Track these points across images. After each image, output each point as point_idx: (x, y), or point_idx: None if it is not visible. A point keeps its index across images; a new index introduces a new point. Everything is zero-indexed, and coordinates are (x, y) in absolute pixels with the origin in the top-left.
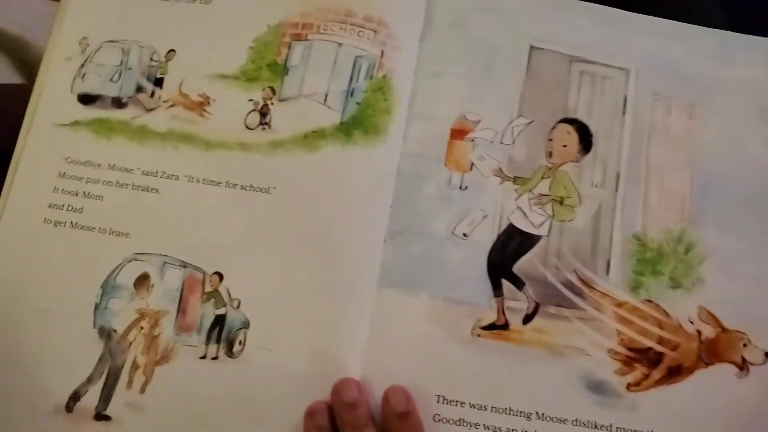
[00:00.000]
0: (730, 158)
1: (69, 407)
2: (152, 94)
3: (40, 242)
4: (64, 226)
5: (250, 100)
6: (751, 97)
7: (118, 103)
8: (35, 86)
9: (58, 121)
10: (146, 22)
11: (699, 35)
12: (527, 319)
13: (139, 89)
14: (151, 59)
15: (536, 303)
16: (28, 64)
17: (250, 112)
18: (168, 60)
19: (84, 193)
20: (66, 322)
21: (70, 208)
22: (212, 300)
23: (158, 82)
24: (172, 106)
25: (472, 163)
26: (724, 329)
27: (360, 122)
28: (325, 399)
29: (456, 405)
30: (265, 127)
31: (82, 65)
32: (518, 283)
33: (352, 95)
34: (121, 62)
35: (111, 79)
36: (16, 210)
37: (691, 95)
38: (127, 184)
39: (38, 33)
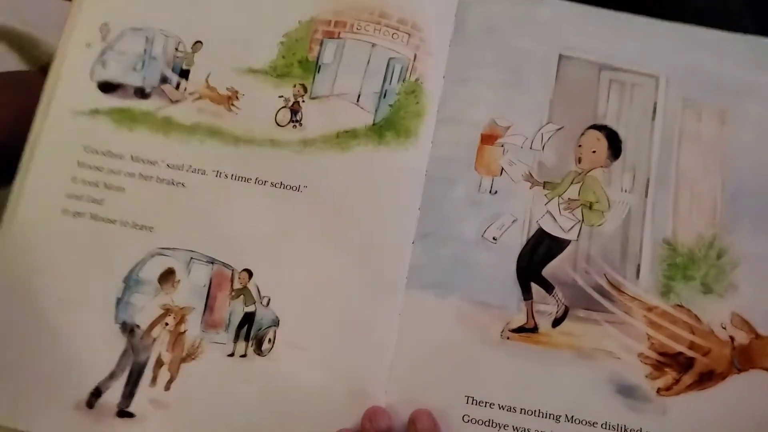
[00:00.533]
0: (763, 164)
1: (90, 403)
2: (177, 86)
3: (59, 234)
4: (84, 217)
5: (281, 96)
6: None
7: (141, 93)
8: (51, 72)
9: (76, 108)
10: (172, 11)
11: (729, 41)
12: (557, 322)
13: (164, 80)
14: (177, 49)
15: (566, 306)
16: (40, 61)
17: (280, 109)
18: (194, 51)
19: (105, 184)
20: (87, 316)
21: (90, 199)
22: (241, 297)
23: (184, 74)
24: (199, 98)
25: (502, 168)
26: (758, 336)
27: (392, 124)
28: (352, 427)
29: (485, 406)
30: (296, 124)
31: (103, 52)
32: (548, 287)
33: (384, 97)
34: (145, 51)
35: (134, 68)
36: (34, 200)
37: (722, 101)
38: (151, 177)
39: (51, 32)
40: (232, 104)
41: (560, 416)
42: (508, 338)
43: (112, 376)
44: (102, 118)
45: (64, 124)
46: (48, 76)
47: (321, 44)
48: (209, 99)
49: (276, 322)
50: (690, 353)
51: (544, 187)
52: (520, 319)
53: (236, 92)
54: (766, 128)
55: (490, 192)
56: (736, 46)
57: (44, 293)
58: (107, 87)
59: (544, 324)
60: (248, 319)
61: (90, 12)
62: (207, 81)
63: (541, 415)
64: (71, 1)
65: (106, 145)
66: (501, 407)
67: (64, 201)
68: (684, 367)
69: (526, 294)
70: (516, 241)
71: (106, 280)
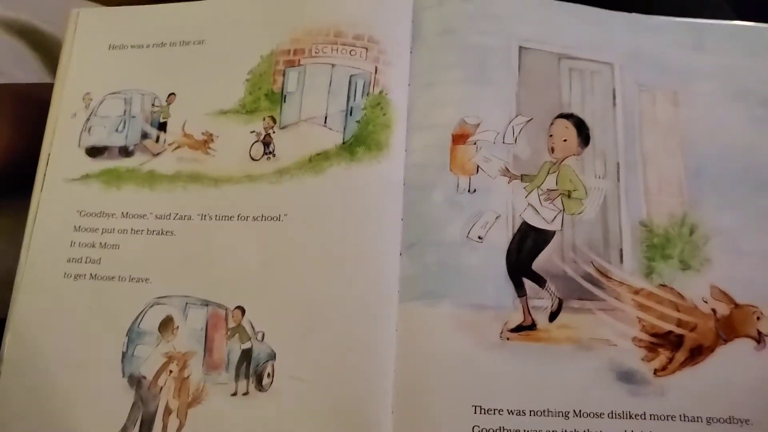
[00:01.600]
0: (717, 140)
1: None
2: (157, 139)
3: (63, 297)
4: (84, 278)
5: (252, 131)
6: (727, 81)
7: (125, 151)
8: (44, 143)
9: (69, 176)
10: (145, 70)
11: (672, 26)
12: (553, 316)
13: (144, 136)
14: (153, 105)
15: (559, 299)
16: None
17: (253, 144)
18: (169, 103)
19: (100, 243)
20: (96, 374)
21: (88, 260)
22: (236, 335)
23: (162, 126)
24: (178, 147)
25: (478, 166)
26: (736, 305)
27: (362, 140)
28: None
29: (494, 414)
30: (270, 156)
31: (87, 119)
32: (540, 281)
33: (351, 114)
34: (125, 112)
35: (116, 130)
36: (36, 267)
37: (672, 84)
38: (142, 230)
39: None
40: (209, 147)
41: (568, 413)
42: (508, 339)
43: (124, 430)
44: (92, 181)
45: (59, 193)
46: (42, 148)
47: (284, 74)
48: (187, 146)
49: (273, 356)
50: (678, 330)
51: (522, 180)
52: (517, 318)
53: (211, 135)
54: (715, 107)
55: (469, 191)
56: (679, 30)
57: (53, 355)
58: (94, 151)
59: (541, 319)
60: (246, 356)
61: (73, 85)
62: (183, 129)
63: (550, 414)
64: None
65: (98, 207)
66: (510, 412)
67: (64, 266)
68: (675, 345)
69: (520, 290)
70: (502, 237)
71: (110, 335)
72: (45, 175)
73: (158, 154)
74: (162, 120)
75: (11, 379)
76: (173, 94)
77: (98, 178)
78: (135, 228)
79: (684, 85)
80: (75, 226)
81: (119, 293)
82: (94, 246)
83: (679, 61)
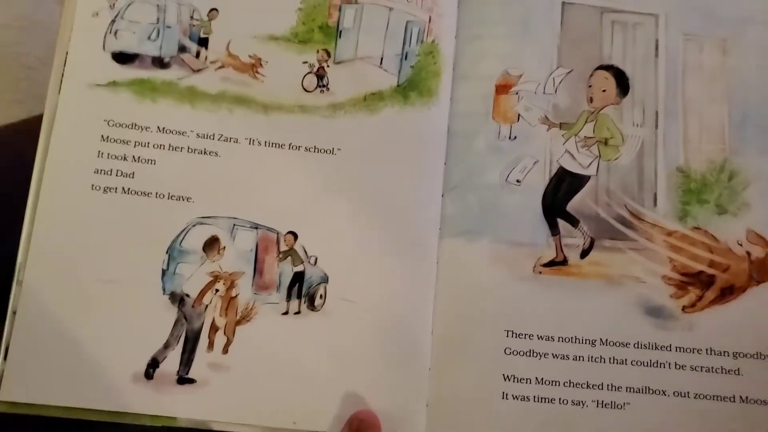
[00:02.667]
0: (766, 88)
1: (149, 374)
2: (197, 55)
3: (91, 210)
4: (115, 192)
5: (305, 62)
6: None
7: (160, 62)
8: (58, 43)
9: (93, 81)
10: None
11: None
12: (584, 253)
13: (182, 49)
14: (192, 17)
15: (591, 238)
16: None
17: (306, 74)
18: (211, 19)
19: (134, 157)
20: (133, 291)
21: (119, 173)
22: (289, 258)
23: (203, 42)
24: (221, 67)
25: (519, 115)
26: None
27: (415, 85)
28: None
29: (525, 338)
30: (324, 89)
31: (113, 21)
32: (573, 221)
33: (406, 59)
34: (158, 20)
35: (149, 38)
36: (58, 178)
37: (722, 32)
38: (182, 148)
39: None
40: (257, 72)
41: (595, 341)
42: (540, 273)
43: (167, 345)
44: (122, 90)
45: (81, 98)
46: (56, 48)
47: (339, 10)
48: (233, 67)
49: (325, 279)
50: (710, 271)
51: (560, 128)
52: (550, 254)
53: (260, 59)
54: (765, 53)
55: (510, 138)
56: None
57: (85, 272)
58: (123, 58)
59: (572, 256)
60: (298, 278)
61: None
62: (228, 49)
63: (577, 341)
64: None
65: (130, 118)
66: (540, 337)
67: (91, 177)
68: (706, 285)
69: (554, 230)
70: (539, 181)
71: (147, 253)
72: (63, 76)
73: (199, 70)
74: (203, 35)
75: (35, 295)
76: (215, 9)
77: (128, 87)
78: (174, 144)
79: (734, 32)
80: (102, 136)
81: (156, 210)
82: (125, 159)
83: (730, 8)
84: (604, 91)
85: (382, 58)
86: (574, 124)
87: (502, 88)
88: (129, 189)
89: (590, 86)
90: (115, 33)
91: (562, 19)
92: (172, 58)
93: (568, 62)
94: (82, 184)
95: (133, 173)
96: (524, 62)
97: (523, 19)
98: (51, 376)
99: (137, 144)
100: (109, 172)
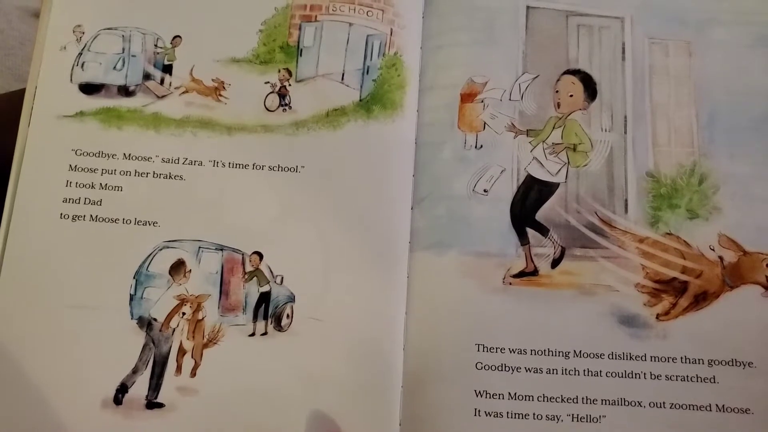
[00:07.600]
0: (734, 88)
1: (118, 399)
2: (162, 81)
3: (60, 239)
4: (83, 219)
5: (267, 82)
6: (748, 26)
7: (125, 91)
8: (30, 75)
9: (60, 112)
10: (145, 10)
11: None
12: (555, 263)
13: (147, 77)
14: (156, 45)
15: (562, 247)
16: None
17: (268, 95)
18: (174, 46)
19: (101, 185)
20: (102, 317)
21: (87, 201)
22: (255, 278)
23: (167, 69)
24: (185, 92)
25: (485, 123)
26: (745, 252)
27: (378, 98)
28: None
29: (496, 352)
30: (286, 108)
31: (80, 54)
32: (543, 230)
33: (367, 73)
34: (123, 50)
35: (114, 67)
36: (28, 208)
37: (686, 34)
38: (147, 173)
39: None
40: (220, 95)
41: (569, 353)
42: (510, 284)
43: (135, 370)
44: (88, 119)
45: (50, 130)
46: (27, 82)
47: (299, 28)
48: (196, 92)
49: (292, 298)
50: (683, 277)
51: (527, 135)
52: (520, 265)
53: (222, 83)
54: (734, 53)
55: (476, 147)
56: None
57: (55, 299)
58: (89, 88)
59: (543, 266)
60: (264, 298)
61: (60, 15)
62: (192, 74)
63: (550, 353)
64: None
65: (97, 146)
66: (512, 351)
67: (60, 206)
68: (679, 291)
69: (523, 239)
70: (507, 190)
71: (115, 278)
72: (32, 109)
73: (163, 96)
74: (167, 62)
75: (4, 322)
76: (179, 36)
77: (95, 117)
78: (140, 170)
79: (699, 34)
80: (71, 166)
81: (124, 236)
82: (93, 187)
83: (695, 10)
84: (571, 96)
85: (343, 74)
86: (541, 131)
87: (467, 97)
88: (97, 216)
89: (557, 91)
90: (82, 65)
91: (527, 24)
92: (137, 86)
93: (534, 67)
94: (50, 213)
95: (101, 200)
96: (489, 69)
97: (487, 25)
98: (19, 404)
99: (104, 172)
100: (77, 200)
